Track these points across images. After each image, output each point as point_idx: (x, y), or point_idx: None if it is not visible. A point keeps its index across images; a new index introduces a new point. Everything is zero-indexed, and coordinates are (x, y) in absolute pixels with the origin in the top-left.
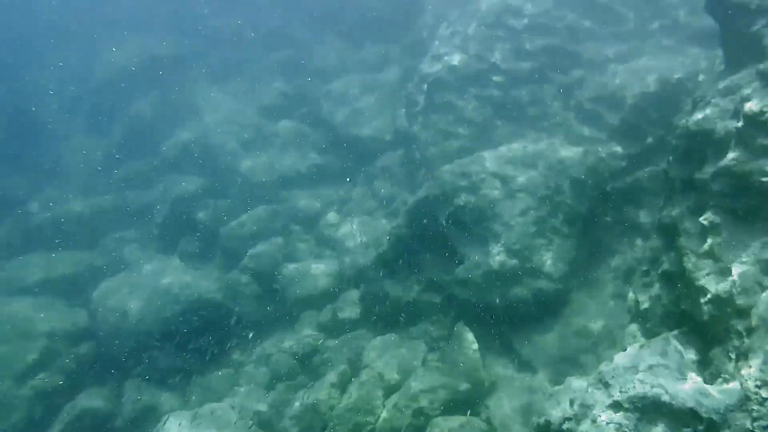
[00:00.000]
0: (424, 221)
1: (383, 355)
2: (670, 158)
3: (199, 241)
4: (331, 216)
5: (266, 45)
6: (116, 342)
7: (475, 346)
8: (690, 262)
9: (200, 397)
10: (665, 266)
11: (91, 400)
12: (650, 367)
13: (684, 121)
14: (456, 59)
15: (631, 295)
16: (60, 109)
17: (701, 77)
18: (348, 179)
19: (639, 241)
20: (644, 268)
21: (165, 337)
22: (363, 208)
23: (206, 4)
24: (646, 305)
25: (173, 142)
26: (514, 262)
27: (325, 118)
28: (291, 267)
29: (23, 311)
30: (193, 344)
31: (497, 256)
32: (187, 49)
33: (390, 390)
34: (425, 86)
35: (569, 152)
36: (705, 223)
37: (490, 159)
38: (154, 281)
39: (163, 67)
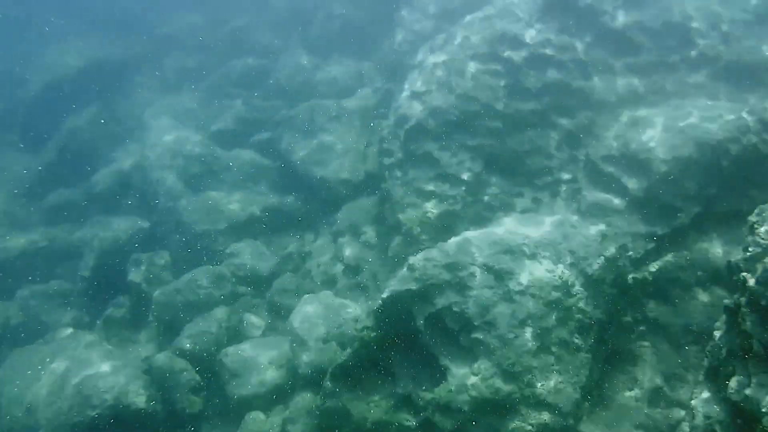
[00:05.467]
0: (398, 323)
1: None
2: (744, 305)
3: (130, 307)
4: (287, 278)
5: (227, 48)
6: None
7: None
8: None
9: None
10: None
11: None
12: None
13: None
14: (440, 99)
15: None
16: None
17: (748, 139)
18: (308, 229)
19: (666, 347)
20: None
21: None
22: (325, 274)
23: (163, 1)
24: None
25: (109, 172)
26: (510, 387)
27: (285, 151)
28: (236, 352)
29: None
30: None
31: (489, 379)
32: (138, 52)
33: None
34: (402, 132)
35: (582, 237)
36: None
37: (482, 246)
38: (67, 369)
39: (108, 74)
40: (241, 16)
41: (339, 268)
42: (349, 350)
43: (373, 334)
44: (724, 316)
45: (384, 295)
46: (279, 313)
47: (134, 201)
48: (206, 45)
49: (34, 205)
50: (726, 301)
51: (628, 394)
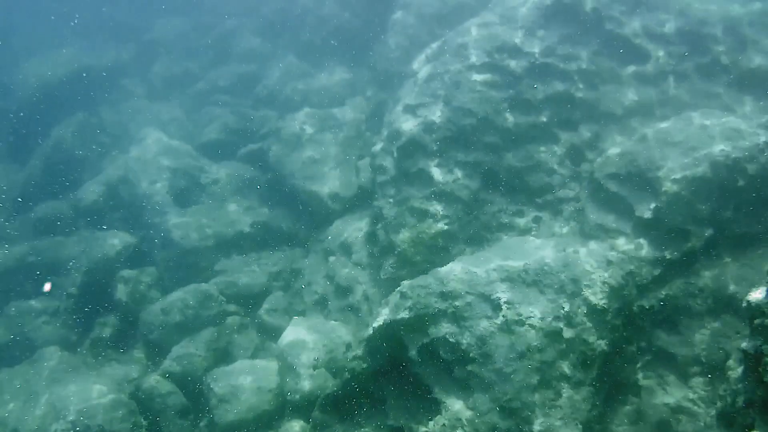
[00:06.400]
0: (390, 352)
1: None
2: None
3: (117, 326)
4: (277, 298)
5: (215, 54)
6: None
7: None
8: None
9: None
10: None
11: None
12: None
13: None
14: (435, 113)
15: None
16: None
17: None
18: (299, 245)
19: (673, 378)
20: None
21: None
22: (315, 294)
23: (149, 5)
24: None
25: (96, 185)
26: (508, 423)
27: (274, 163)
28: (223, 376)
29: None
30: None
31: (486, 415)
32: (125, 59)
33: None
34: (395, 148)
35: (586, 264)
36: None
37: (479, 273)
38: (52, 394)
39: (95, 82)
40: (229, 20)
41: (330, 288)
42: (339, 380)
43: (364, 365)
44: (741, 356)
45: (375, 324)
46: (269, 334)
47: (122, 215)
48: (194, 50)
49: (21, 218)
50: (744, 345)
51: (632, 428)
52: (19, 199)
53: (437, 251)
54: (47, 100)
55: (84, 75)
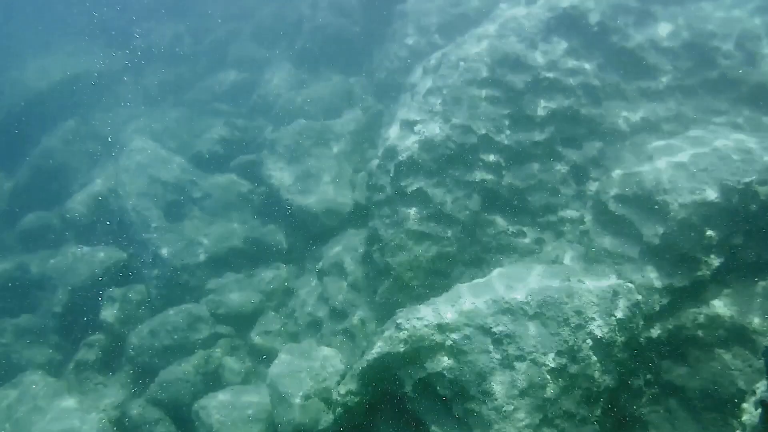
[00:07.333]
0: (385, 387)
1: None
2: None
3: (103, 348)
4: (270, 318)
5: (210, 60)
6: None
7: None
8: None
9: None
10: None
11: None
12: None
13: None
14: (434, 131)
15: None
16: None
17: None
18: (293, 263)
19: (681, 412)
20: None
21: None
22: (309, 316)
23: (142, 10)
24: None
25: (85, 197)
26: None
27: (268, 177)
28: (212, 404)
29: None
30: None
31: None
32: (117, 65)
33: None
34: (391, 167)
35: (590, 294)
36: None
37: (478, 303)
38: (32, 422)
39: (87, 88)
40: (225, 25)
41: (324, 310)
42: (332, 415)
43: (356, 399)
44: (756, 399)
45: (368, 357)
46: (261, 357)
47: (111, 229)
48: (189, 56)
49: (8, 230)
50: (762, 393)
51: None
52: (7, 210)
53: (435, 275)
54: (36, 106)
55: (75, 81)
